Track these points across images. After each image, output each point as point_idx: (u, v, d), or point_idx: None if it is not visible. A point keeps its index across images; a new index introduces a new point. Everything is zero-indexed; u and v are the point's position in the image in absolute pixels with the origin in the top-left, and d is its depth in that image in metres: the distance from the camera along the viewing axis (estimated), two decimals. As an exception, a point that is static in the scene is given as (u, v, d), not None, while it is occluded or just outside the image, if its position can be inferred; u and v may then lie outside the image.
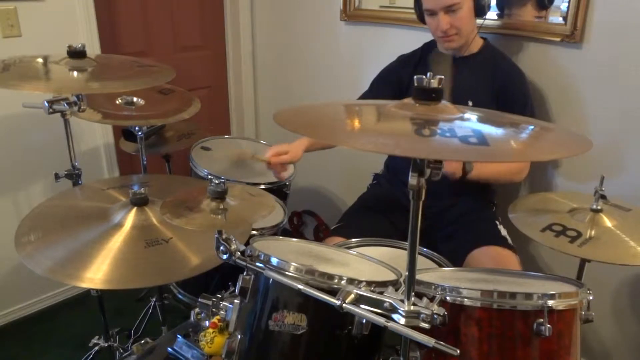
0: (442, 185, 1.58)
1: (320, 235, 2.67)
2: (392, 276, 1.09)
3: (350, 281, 0.94)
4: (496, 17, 1.87)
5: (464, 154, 0.75)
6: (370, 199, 1.87)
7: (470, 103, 1.64)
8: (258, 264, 0.99)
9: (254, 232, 1.55)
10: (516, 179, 1.76)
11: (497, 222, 1.66)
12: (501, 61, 1.72)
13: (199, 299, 1.13)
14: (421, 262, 1.40)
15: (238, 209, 1.09)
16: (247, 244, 1.05)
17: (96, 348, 1.77)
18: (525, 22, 1.80)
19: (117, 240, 1.16)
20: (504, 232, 1.62)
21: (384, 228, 1.70)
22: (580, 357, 1.06)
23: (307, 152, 1.73)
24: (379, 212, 1.76)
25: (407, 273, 0.83)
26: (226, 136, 2.31)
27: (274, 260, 0.97)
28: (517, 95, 1.68)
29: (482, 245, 1.53)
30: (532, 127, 0.94)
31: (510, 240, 1.59)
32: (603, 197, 1.28)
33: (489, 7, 1.65)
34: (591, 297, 1.07)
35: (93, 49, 2.17)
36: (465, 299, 0.98)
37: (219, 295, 1.12)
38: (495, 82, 1.68)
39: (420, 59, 1.80)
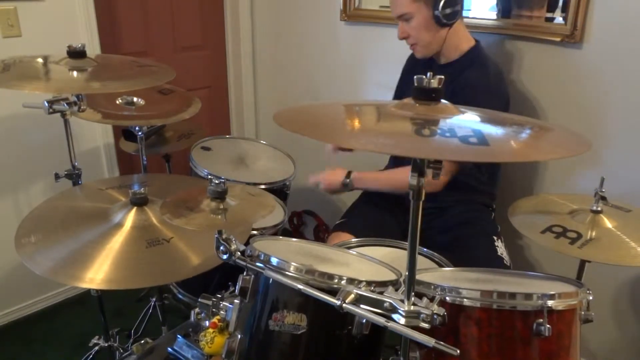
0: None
1: (320, 235, 2.67)
2: (392, 276, 1.09)
3: (350, 281, 0.94)
4: (499, 18, 1.86)
5: (463, 153, 0.75)
6: (373, 195, 1.87)
7: None
8: (258, 264, 0.99)
9: (254, 232, 1.55)
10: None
11: (495, 238, 1.63)
12: (469, 69, 1.63)
13: (199, 299, 1.13)
14: (421, 262, 1.40)
15: (238, 209, 1.09)
16: (247, 244, 1.05)
17: (96, 348, 1.76)
18: (526, 22, 1.80)
19: (117, 241, 1.16)
20: (501, 249, 1.61)
21: (387, 224, 1.70)
22: (580, 357, 1.06)
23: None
24: (382, 208, 1.76)
25: (407, 273, 0.83)
26: (226, 136, 2.31)
27: (274, 260, 0.97)
28: (463, 86, 1.58)
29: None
30: (532, 127, 0.94)
31: (506, 260, 1.58)
32: (603, 198, 1.28)
33: (450, 17, 1.58)
34: (591, 297, 1.07)
35: (93, 49, 2.17)
36: (465, 299, 0.98)
37: (219, 295, 1.12)
38: (450, 91, 1.55)
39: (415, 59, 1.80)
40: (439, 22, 1.59)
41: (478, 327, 0.98)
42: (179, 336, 1.29)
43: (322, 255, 1.18)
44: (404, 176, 1.64)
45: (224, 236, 0.99)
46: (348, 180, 1.65)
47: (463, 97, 1.48)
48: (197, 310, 1.15)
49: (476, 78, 1.62)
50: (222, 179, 1.13)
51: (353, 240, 1.49)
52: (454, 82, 1.61)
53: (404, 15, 1.59)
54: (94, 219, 1.24)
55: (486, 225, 1.71)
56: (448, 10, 1.57)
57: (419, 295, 0.86)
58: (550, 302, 0.97)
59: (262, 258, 0.99)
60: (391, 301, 0.84)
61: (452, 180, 1.66)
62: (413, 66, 1.81)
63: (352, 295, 0.87)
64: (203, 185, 1.10)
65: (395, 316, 0.84)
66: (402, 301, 0.84)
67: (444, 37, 1.63)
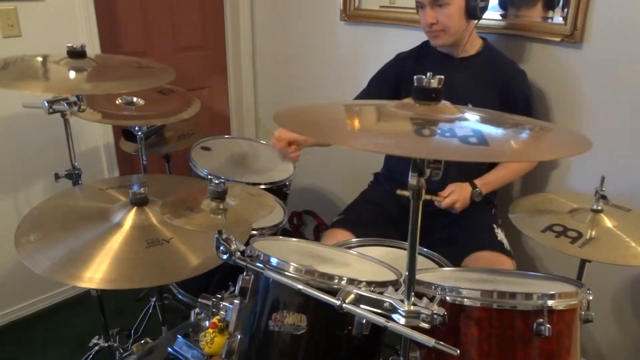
0: (438, 185, 1.60)
1: (321, 235, 2.67)
2: (392, 276, 1.09)
3: (350, 281, 0.94)
4: (499, 18, 1.86)
5: (463, 154, 0.74)
6: (371, 194, 1.87)
7: (470, 106, 1.64)
8: (258, 264, 0.99)
9: (254, 232, 1.55)
10: (527, 172, 1.80)
11: (495, 226, 1.65)
12: (501, 62, 1.72)
13: (199, 299, 1.13)
14: (421, 262, 1.40)
15: (238, 209, 1.09)
16: (247, 244, 1.05)
17: (96, 348, 1.76)
18: (526, 22, 1.80)
19: (116, 240, 1.16)
20: (501, 235, 1.62)
21: (384, 223, 1.70)
22: (580, 357, 1.06)
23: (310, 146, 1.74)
24: (380, 207, 1.77)
25: (407, 273, 0.83)
26: (226, 136, 2.31)
27: (274, 261, 0.97)
28: (518, 96, 1.67)
29: (478, 250, 1.54)
30: (532, 127, 0.94)
31: (506, 245, 1.59)
32: (603, 197, 1.28)
33: (482, 10, 1.61)
34: (591, 297, 1.07)
35: (93, 49, 2.17)
36: (465, 299, 0.98)
37: (219, 295, 1.12)
38: (497, 84, 1.67)
39: (419, 55, 1.80)
40: (471, 13, 1.60)
41: (478, 327, 0.98)
42: (179, 336, 1.29)
43: (322, 255, 1.18)
44: (519, 165, 1.73)
45: (224, 236, 0.99)
46: (477, 190, 1.63)
47: (512, 82, 1.69)
48: (197, 310, 1.15)
49: (515, 65, 1.73)
50: (222, 179, 1.12)
51: (353, 240, 1.49)
52: (485, 72, 1.68)
53: (440, 0, 1.58)
54: (94, 218, 1.24)
55: (486, 216, 1.72)
56: (482, 4, 1.59)
57: (419, 295, 0.86)
58: (550, 302, 0.97)
59: (262, 258, 0.99)
60: (391, 301, 0.84)
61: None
62: (418, 63, 1.79)
63: (352, 296, 0.87)
64: (203, 185, 1.10)
65: (395, 316, 0.84)
66: (402, 301, 0.84)
67: (470, 30, 1.65)
